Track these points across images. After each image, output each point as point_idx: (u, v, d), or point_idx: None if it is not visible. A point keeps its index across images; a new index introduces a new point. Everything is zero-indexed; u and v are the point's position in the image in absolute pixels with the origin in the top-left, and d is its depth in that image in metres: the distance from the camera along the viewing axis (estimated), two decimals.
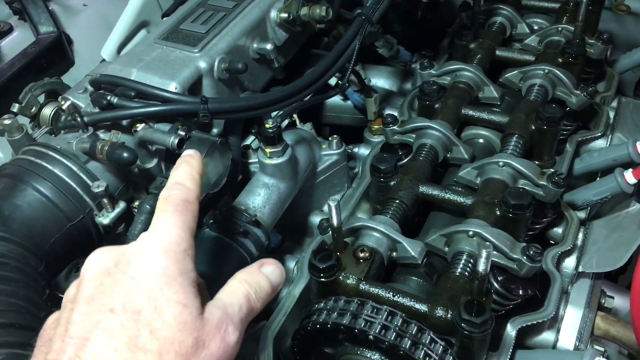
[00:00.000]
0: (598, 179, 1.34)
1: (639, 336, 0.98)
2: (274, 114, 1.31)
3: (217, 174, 1.12)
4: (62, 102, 1.16)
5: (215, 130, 1.27)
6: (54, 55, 1.89)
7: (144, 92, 1.12)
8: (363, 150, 1.53)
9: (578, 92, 1.36)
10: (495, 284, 1.07)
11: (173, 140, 1.04)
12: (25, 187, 1.01)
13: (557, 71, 1.37)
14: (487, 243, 1.00)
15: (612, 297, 1.14)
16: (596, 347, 1.06)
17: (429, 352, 0.90)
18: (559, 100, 1.39)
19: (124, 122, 1.13)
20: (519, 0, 1.68)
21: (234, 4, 1.36)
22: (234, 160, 1.23)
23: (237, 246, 1.09)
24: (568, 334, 1.08)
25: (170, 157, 1.13)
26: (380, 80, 1.82)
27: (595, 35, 1.51)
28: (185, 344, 0.62)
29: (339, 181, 1.40)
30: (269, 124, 1.15)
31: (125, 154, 1.00)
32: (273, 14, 1.38)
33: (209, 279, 0.83)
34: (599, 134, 1.40)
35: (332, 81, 1.52)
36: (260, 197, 1.18)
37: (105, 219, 1.04)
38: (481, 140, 1.39)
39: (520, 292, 1.07)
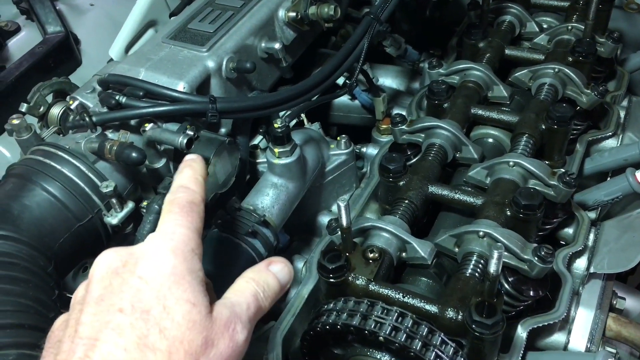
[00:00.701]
0: (609, 179, 1.32)
1: None
2: (282, 113, 1.30)
3: (225, 173, 1.12)
4: (71, 102, 1.15)
5: (223, 130, 1.27)
6: (61, 55, 1.90)
7: (152, 92, 1.11)
8: (371, 150, 1.52)
9: (588, 91, 1.35)
10: (506, 285, 1.06)
11: (182, 140, 1.03)
12: (34, 187, 1.01)
13: (567, 70, 1.36)
14: (499, 244, 0.99)
15: (624, 299, 1.13)
16: (608, 348, 1.04)
17: (440, 353, 0.89)
18: (569, 99, 1.38)
19: (133, 122, 1.13)
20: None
21: (242, 3, 1.35)
22: (242, 160, 1.22)
23: (246, 246, 1.09)
24: (579, 335, 1.07)
25: (178, 157, 1.13)
26: (388, 80, 1.81)
27: (606, 34, 1.49)
28: (194, 342, 0.62)
29: (347, 181, 1.39)
30: (277, 124, 1.15)
31: (134, 154, 1.00)
32: (281, 13, 1.37)
33: (217, 279, 0.82)
34: (610, 134, 1.39)
35: (340, 81, 1.52)
36: (268, 197, 1.18)
37: (113, 219, 1.04)
38: (490, 140, 1.38)
39: (531, 293, 1.06)
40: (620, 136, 1.40)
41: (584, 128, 1.41)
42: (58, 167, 1.03)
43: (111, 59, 1.46)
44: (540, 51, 1.51)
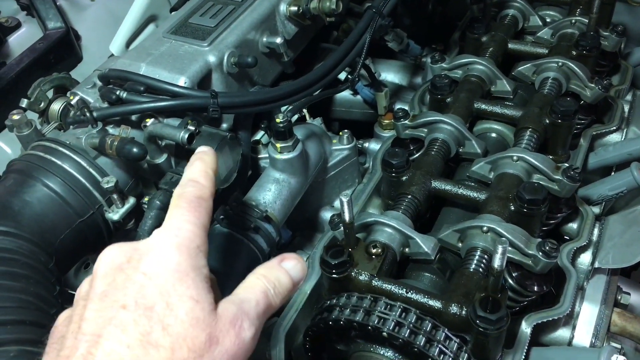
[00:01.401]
0: (613, 173, 1.31)
1: None
2: (283, 108, 1.29)
3: (227, 169, 1.11)
4: (71, 98, 1.14)
5: (224, 125, 1.26)
6: (61, 50, 1.89)
7: (153, 87, 1.11)
8: (373, 145, 1.51)
9: (593, 85, 1.34)
10: (510, 280, 1.05)
11: (183, 135, 1.02)
12: (34, 183, 1.00)
13: (571, 64, 1.35)
14: (503, 239, 0.98)
15: (629, 294, 1.12)
16: (613, 344, 1.04)
17: (444, 349, 0.89)
18: (573, 93, 1.37)
19: (133, 117, 1.12)
20: None
21: None
22: (244, 155, 1.21)
23: (248, 242, 1.08)
24: (584, 331, 1.06)
25: (179, 152, 1.12)
26: (390, 75, 1.80)
27: (610, 27, 1.48)
28: (197, 339, 0.61)
29: (349, 176, 1.38)
30: (279, 119, 1.14)
31: (135, 149, 0.99)
32: (282, 7, 1.36)
33: (220, 275, 0.82)
34: (614, 128, 1.38)
35: (341, 76, 1.51)
36: (271, 193, 1.17)
37: (115, 214, 1.04)
38: (494, 135, 1.37)
39: (535, 288, 1.05)
40: (625, 130, 1.39)
41: (587, 122, 1.40)
42: (59, 162, 1.03)
43: (112, 54, 1.45)
44: (544, 45, 1.50)
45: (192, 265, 0.65)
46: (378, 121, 1.57)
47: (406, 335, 0.89)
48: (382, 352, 0.95)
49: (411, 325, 0.90)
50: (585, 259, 1.15)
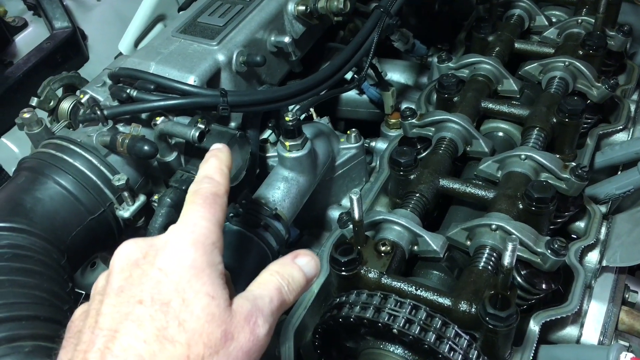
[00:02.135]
0: (619, 172, 1.32)
1: None
2: (292, 107, 1.30)
3: (236, 167, 1.12)
4: (81, 96, 1.15)
5: (233, 124, 1.27)
6: (68, 50, 1.90)
7: (163, 85, 1.11)
8: (380, 145, 1.52)
9: (599, 84, 1.35)
10: (519, 278, 1.06)
11: (194, 133, 1.03)
12: (46, 180, 1.01)
13: (578, 63, 1.35)
14: (513, 236, 0.99)
15: (636, 292, 1.12)
16: (621, 341, 1.04)
17: (454, 346, 0.89)
18: (580, 93, 1.37)
19: (143, 116, 1.13)
20: None
21: None
22: (253, 153, 1.22)
23: (258, 240, 1.09)
24: (592, 328, 1.07)
25: (189, 150, 1.13)
26: (396, 74, 1.81)
27: (616, 27, 1.49)
28: (213, 335, 0.62)
29: (357, 175, 1.39)
30: (289, 117, 1.15)
31: (146, 147, 1.00)
32: (290, 6, 1.37)
33: (230, 272, 0.82)
34: (621, 127, 1.38)
35: (348, 75, 1.51)
36: (280, 191, 1.18)
37: (126, 212, 1.04)
38: (501, 134, 1.37)
39: (544, 286, 1.05)
40: (631, 129, 1.40)
41: (594, 121, 1.41)
42: (70, 160, 1.03)
43: (120, 53, 1.46)
44: (550, 45, 1.51)
45: (208, 262, 0.66)
46: (385, 120, 1.57)
47: (416, 332, 0.90)
48: (392, 349, 0.96)
49: (421, 322, 0.91)
50: (592, 257, 1.16)
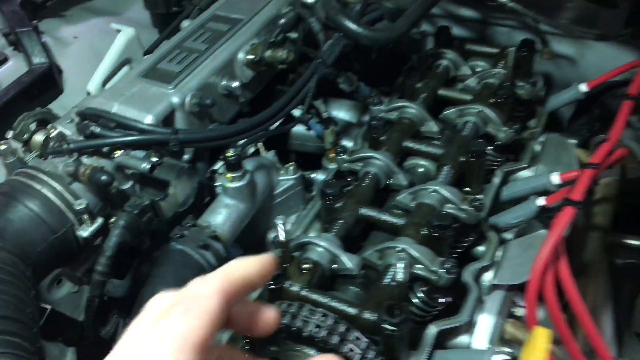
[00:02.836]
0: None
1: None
2: (239, 143, 1.49)
3: (184, 195, 1.30)
4: (52, 131, 1.33)
5: (185, 157, 1.45)
6: (45, 83, 2.06)
7: (122, 124, 1.30)
8: (320, 176, 1.72)
9: (505, 128, 1.56)
10: (420, 294, 1.25)
11: (145, 166, 1.22)
12: (17, 204, 1.19)
13: (487, 110, 1.57)
14: (403, 255, 1.19)
15: (523, 307, 1.31)
16: (505, 349, 1.23)
17: (354, 347, 1.07)
18: (490, 135, 1.59)
19: (105, 149, 1.31)
20: (463, 46, 1.90)
21: (206, 47, 1.55)
22: (202, 183, 1.41)
23: (198, 256, 1.27)
24: (481, 337, 1.25)
25: (143, 180, 1.31)
26: (342, 113, 2.01)
27: (527, 78, 1.72)
28: None
29: (294, 203, 1.58)
30: (230, 153, 1.34)
31: (104, 177, 1.18)
32: (241, 55, 1.57)
33: (170, 285, 0.99)
34: (524, 166, 1.59)
35: (299, 112, 1.71)
36: (221, 216, 1.36)
37: (84, 232, 1.22)
38: (421, 169, 1.58)
39: (442, 300, 1.25)
40: (534, 168, 1.61)
41: (503, 160, 1.62)
42: (38, 187, 1.21)
43: (89, 93, 1.65)
44: (470, 92, 1.72)
45: None
46: (325, 155, 1.77)
47: (323, 335, 1.08)
48: (305, 351, 1.14)
49: (328, 327, 1.09)
50: (488, 276, 1.35)
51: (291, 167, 1.56)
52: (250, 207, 1.42)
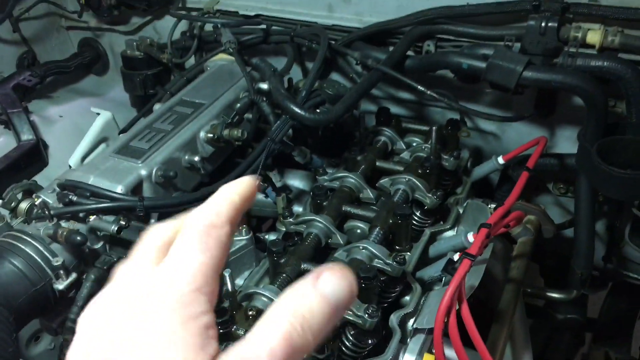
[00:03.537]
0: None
1: None
2: None
3: None
4: (36, 199, 1.56)
5: (152, 221, 1.68)
6: (31, 158, 2.31)
7: (96, 193, 1.53)
8: (271, 237, 1.94)
9: (430, 195, 1.83)
10: (349, 336, 1.46)
11: (114, 228, 1.44)
12: (3, 261, 1.40)
13: (415, 180, 1.84)
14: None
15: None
16: None
17: None
18: (418, 201, 1.85)
19: (81, 215, 1.54)
20: (399, 124, 2.19)
21: (172, 127, 1.82)
22: None
23: None
24: None
25: (113, 240, 1.53)
26: (296, 182, 2.27)
27: (451, 152, 2.00)
28: None
29: (247, 260, 1.80)
30: None
31: (78, 238, 1.40)
32: (202, 134, 1.83)
33: None
34: (448, 227, 1.85)
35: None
36: None
37: (60, 285, 1.42)
38: (358, 230, 1.82)
39: (369, 341, 1.46)
40: (456, 229, 1.86)
41: (431, 222, 1.87)
42: (22, 247, 1.43)
43: (70, 167, 1.89)
44: (403, 164, 2.00)
45: (183, 319, 0.55)
46: (278, 219, 2.01)
47: None
48: None
49: None
50: (411, 322, 1.57)
51: (244, 229, 1.79)
52: None
